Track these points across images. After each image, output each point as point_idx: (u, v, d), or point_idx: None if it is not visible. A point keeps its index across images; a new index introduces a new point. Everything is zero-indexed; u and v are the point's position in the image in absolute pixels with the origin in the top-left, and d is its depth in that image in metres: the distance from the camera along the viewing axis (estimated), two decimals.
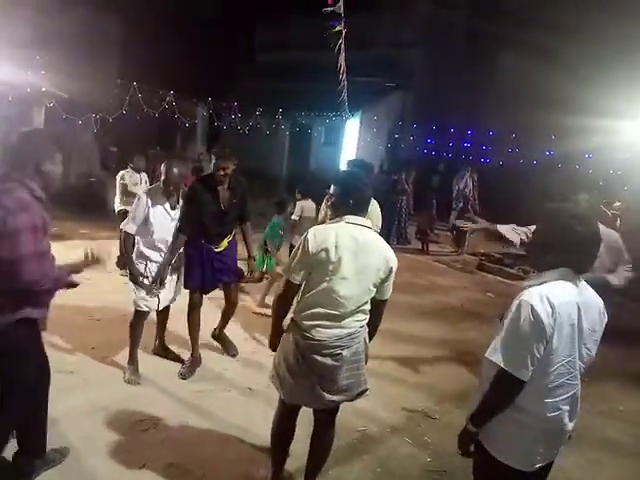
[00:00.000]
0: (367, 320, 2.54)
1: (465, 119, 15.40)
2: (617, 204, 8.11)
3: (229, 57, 17.82)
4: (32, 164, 2.35)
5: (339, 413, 2.70)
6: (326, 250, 2.34)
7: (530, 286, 1.94)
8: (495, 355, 1.91)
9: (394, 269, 2.46)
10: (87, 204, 10.17)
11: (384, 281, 2.47)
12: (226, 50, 17.59)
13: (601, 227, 2.08)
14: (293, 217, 6.07)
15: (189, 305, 4.11)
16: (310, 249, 2.36)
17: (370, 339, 2.63)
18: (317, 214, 5.64)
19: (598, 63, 11.37)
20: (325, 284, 2.39)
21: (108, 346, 4.29)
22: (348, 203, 2.46)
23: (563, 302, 1.88)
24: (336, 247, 2.35)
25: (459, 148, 15.69)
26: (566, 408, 1.98)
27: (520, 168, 13.51)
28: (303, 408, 2.67)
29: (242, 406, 3.65)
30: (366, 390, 2.60)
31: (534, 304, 1.84)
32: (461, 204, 11.59)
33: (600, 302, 2.02)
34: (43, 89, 9.04)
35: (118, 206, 6.78)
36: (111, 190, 10.80)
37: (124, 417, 3.34)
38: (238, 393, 3.82)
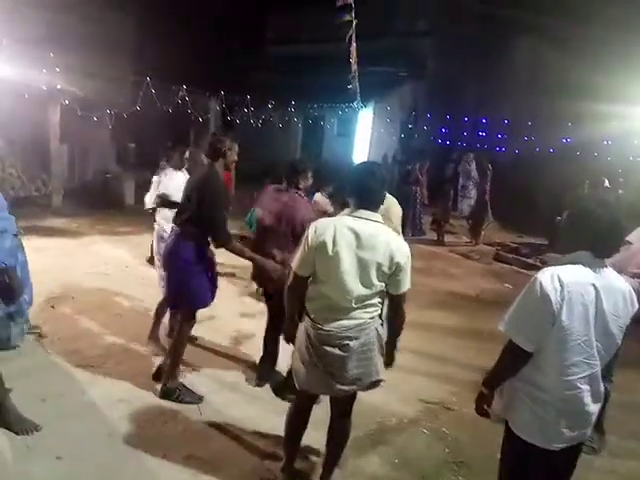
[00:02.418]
0: (378, 311, 2.53)
1: (479, 108, 15.22)
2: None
3: (241, 51, 17.80)
4: None
5: (356, 405, 2.71)
6: (324, 243, 2.39)
7: (549, 267, 2.02)
8: (503, 325, 2.04)
9: (402, 263, 2.42)
10: (103, 200, 10.29)
11: (393, 275, 2.44)
12: (238, 44, 17.56)
13: None
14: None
15: (188, 326, 3.61)
16: (310, 242, 2.43)
17: (394, 336, 2.61)
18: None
19: (614, 48, 11.14)
20: (327, 276, 2.44)
21: (129, 341, 4.35)
22: (354, 196, 2.49)
23: (574, 282, 1.95)
24: (334, 240, 2.39)
25: (473, 137, 15.51)
26: (585, 387, 2.01)
27: (536, 156, 13.32)
28: (324, 400, 2.70)
29: (257, 401, 3.67)
30: (380, 381, 2.60)
31: (543, 280, 1.94)
32: (471, 192, 11.47)
33: (627, 289, 2.04)
34: (58, 87, 9.12)
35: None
36: (127, 186, 10.98)
37: (144, 410, 3.40)
38: (253, 389, 3.84)
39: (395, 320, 2.58)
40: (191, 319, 3.57)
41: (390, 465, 3.13)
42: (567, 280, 1.93)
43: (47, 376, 3.69)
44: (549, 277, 1.94)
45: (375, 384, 2.60)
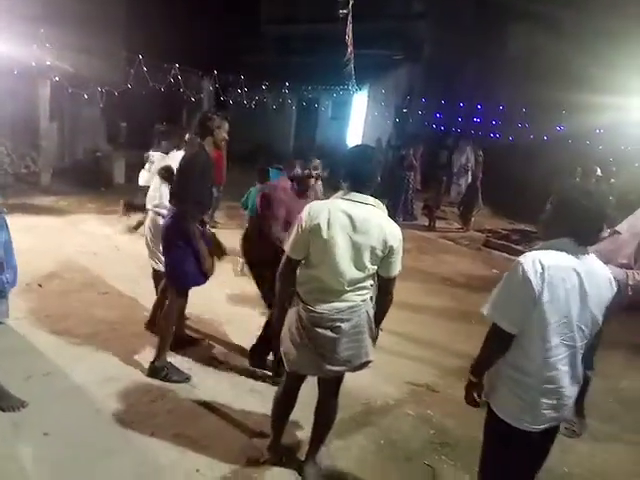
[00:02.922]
0: (369, 294, 2.55)
1: (475, 93, 15.16)
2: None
3: (235, 31, 17.53)
4: None
5: (342, 386, 2.74)
6: (318, 225, 2.39)
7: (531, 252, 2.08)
8: (487, 310, 2.08)
9: (395, 246, 2.44)
10: (94, 179, 10.20)
11: (385, 258, 2.46)
12: (232, 23, 17.29)
13: None
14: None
15: (178, 309, 3.64)
16: (304, 225, 2.43)
17: (380, 316, 2.63)
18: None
19: (610, 37, 11.11)
20: (320, 259, 2.44)
21: (117, 320, 4.35)
22: (348, 179, 2.49)
23: (555, 265, 1.99)
24: (328, 223, 2.39)
25: (468, 123, 15.48)
26: (565, 369, 2.06)
27: (530, 143, 13.34)
28: (308, 380, 2.72)
29: (245, 382, 3.70)
30: (369, 362, 2.62)
31: (524, 263, 1.99)
32: (465, 179, 11.49)
33: (608, 274, 2.10)
34: (48, 63, 8.96)
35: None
36: (117, 165, 10.88)
37: (132, 388, 3.41)
38: (242, 370, 3.86)
39: (384, 302, 2.60)
40: (179, 298, 3.56)
41: (375, 446, 3.17)
42: (548, 263, 1.98)
43: (34, 354, 3.68)
44: (530, 261, 1.99)
45: (364, 365, 2.63)
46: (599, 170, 9.51)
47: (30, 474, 2.61)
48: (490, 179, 10.47)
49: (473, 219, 10.17)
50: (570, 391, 2.11)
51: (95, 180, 10.14)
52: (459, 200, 11.11)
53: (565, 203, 2.08)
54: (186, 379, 3.55)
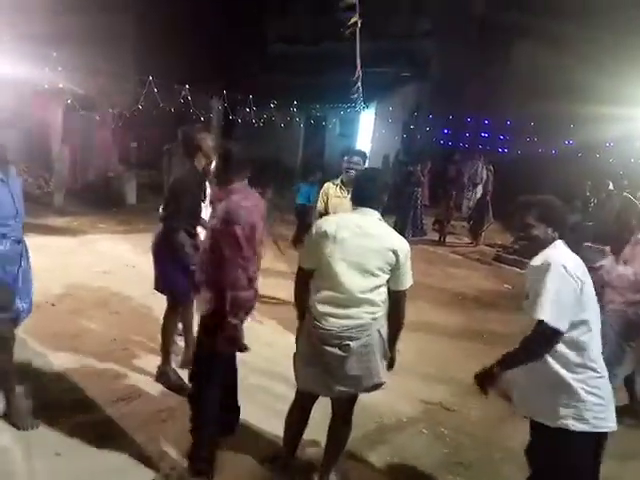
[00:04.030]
0: (380, 313, 2.53)
1: (482, 109, 15.21)
2: None
3: (243, 50, 17.80)
4: None
5: (356, 404, 2.71)
6: (325, 235, 2.49)
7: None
8: (541, 313, 2.08)
9: (402, 256, 2.47)
10: (105, 199, 10.30)
11: (393, 271, 2.48)
12: (239, 44, 17.56)
13: None
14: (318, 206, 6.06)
15: (173, 315, 3.72)
16: (313, 235, 2.55)
17: (394, 335, 2.62)
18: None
19: (617, 50, 11.14)
20: (329, 268, 2.49)
21: (128, 339, 4.35)
22: (356, 198, 2.65)
23: (575, 260, 2.19)
24: (335, 233, 2.48)
25: (476, 138, 15.51)
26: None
27: (539, 158, 13.32)
28: (321, 401, 2.70)
29: (254, 401, 3.66)
30: (381, 384, 2.60)
31: (564, 262, 2.11)
32: (474, 194, 11.47)
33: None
34: (60, 85, 9.14)
35: None
36: (129, 185, 10.99)
37: (143, 408, 3.39)
38: (251, 388, 3.83)
39: (394, 317, 2.58)
40: (174, 309, 3.66)
41: (388, 465, 3.13)
42: (573, 260, 2.17)
43: (44, 373, 3.69)
44: (565, 258, 2.14)
45: (376, 387, 2.60)
46: (611, 184, 9.46)
47: None
48: (500, 193, 10.44)
49: (483, 234, 10.13)
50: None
51: (107, 200, 10.25)
52: (469, 215, 11.08)
53: (557, 219, 2.32)
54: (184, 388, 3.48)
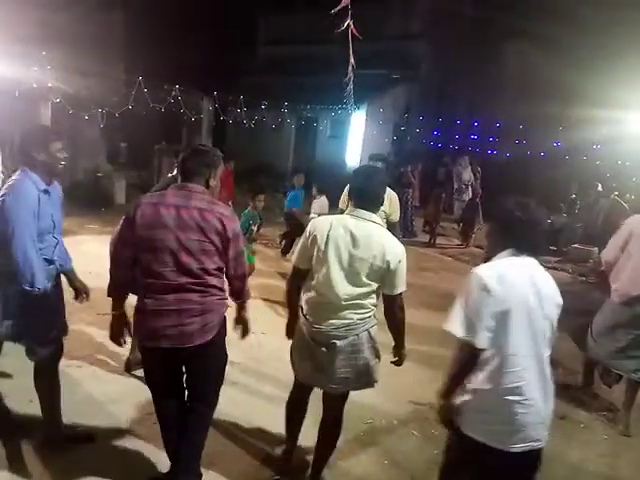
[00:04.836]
0: (369, 314, 2.55)
1: (472, 111, 15.31)
2: (628, 197, 8.09)
3: (233, 51, 17.77)
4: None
5: (345, 405, 2.71)
6: (316, 238, 2.49)
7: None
8: (453, 327, 2.06)
9: (395, 264, 2.45)
10: (94, 199, 10.22)
11: (386, 276, 2.47)
12: (230, 45, 17.54)
13: None
14: (311, 216, 6.08)
15: None
16: (306, 237, 2.55)
17: (396, 337, 2.69)
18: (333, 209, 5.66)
19: (607, 53, 11.26)
20: (319, 271, 2.50)
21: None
22: (353, 197, 2.62)
23: (510, 273, 2.03)
24: (327, 236, 2.47)
25: (465, 140, 15.60)
26: (532, 379, 2.07)
27: (527, 160, 13.43)
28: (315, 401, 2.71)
29: (247, 400, 3.67)
30: (371, 383, 2.63)
31: (482, 273, 2.02)
32: (464, 195, 11.53)
33: (552, 280, 2.15)
34: (49, 85, 9.05)
35: None
36: (118, 185, 10.91)
37: (134, 408, 3.37)
38: (243, 387, 3.83)
39: (391, 321, 2.61)
40: None
41: (379, 466, 3.13)
42: (504, 271, 2.02)
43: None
44: (486, 269, 2.05)
45: (366, 385, 2.64)
46: (600, 186, 9.56)
47: None
48: (488, 195, 10.49)
49: (473, 235, 10.18)
50: (542, 405, 2.06)
51: (95, 200, 10.16)
52: (459, 216, 11.13)
53: (502, 217, 2.16)
54: None
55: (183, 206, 2.37)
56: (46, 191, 2.63)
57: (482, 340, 2.00)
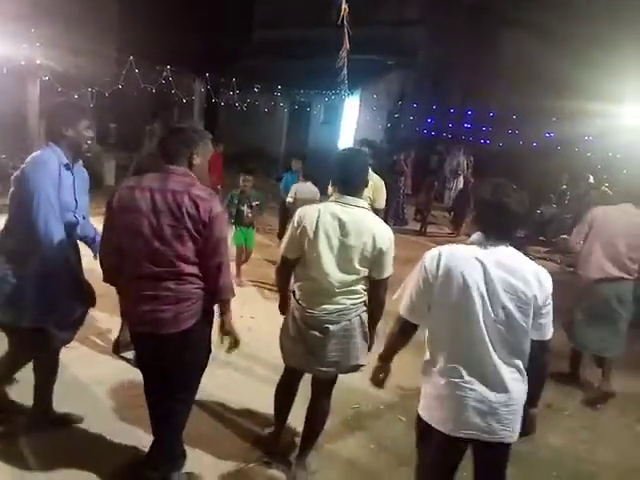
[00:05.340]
0: (361, 299, 2.56)
1: (466, 99, 15.25)
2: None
3: (227, 33, 17.52)
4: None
5: (334, 390, 2.73)
6: (305, 227, 2.46)
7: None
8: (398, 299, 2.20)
9: (385, 249, 2.46)
10: None
11: (375, 261, 2.47)
12: (224, 26, 17.28)
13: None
14: (288, 199, 6.06)
15: None
16: (295, 226, 2.52)
17: (374, 321, 2.67)
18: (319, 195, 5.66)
19: (602, 46, 11.24)
20: (310, 259, 2.49)
21: (106, 324, 4.29)
22: (337, 182, 2.58)
23: (453, 253, 2.04)
24: (316, 225, 2.45)
25: (459, 129, 15.56)
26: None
27: (520, 150, 13.45)
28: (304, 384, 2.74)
29: (237, 383, 3.69)
30: (360, 366, 2.67)
31: (426, 253, 2.11)
32: (456, 184, 11.55)
33: (532, 269, 2.03)
34: (38, 62, 8.88)
35: None
36: (107, 166, 10.77)
37: (121, 392, 3.37)
38: (234, 370, 3.84)
39: (374, 304, 2.62)
40: None
41: (366, 450, 3.16)
42: (446, 252, 2.05)
43: None
44: (432, 251, 2.10)
45: (355, 368, 2.67)
46: (591, 177, 9.60)
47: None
48: (480, 185, 10.50)
49: (464, 224, 10.22)
50: (488, 393, 2.01)
51: None
52: (450, 205, 11.16)
53: (476, 200, 2.19)
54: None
55: (158, 189, 2.27)
56: (68, 166, 2.60)
57: (404, 309, 2.14)
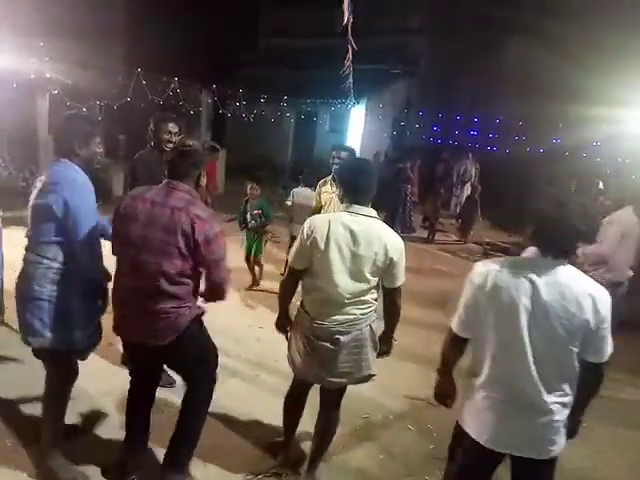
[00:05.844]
0: (371, 308, 2.55)
1: (472, 106, 15.25)
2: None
3: (234, 44, 17.68)
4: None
5: (343, 400, 2.72)
6: (316, 239, 2.45)
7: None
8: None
9: (396, 258, 2.46)
10: None
11: (387, 270, 2.47)
12: (231, 37, 17.44)
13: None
14: (286, 202, 6.15)
15: None
16: (304, 237, 2.49)
17: (391, 327, 2.68)
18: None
19: (608, 51, 11.22)
20: (320, 271, 2.48)
21: (111, 334, 4.29)
22: (345, 192, 2.58)
23: (504, 272, 1.96)
24: (327, 236, 2.43)
25: (465, 136, 15.56)
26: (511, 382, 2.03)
27: (527, 156, 13.40)
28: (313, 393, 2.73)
29: (246, 393, 3.68)
30: (371, 376, 2.66)
31: (475, 267, 2.08)
32: (462, 191, 11.53)
33: (591, 292, 1.91)
34: (47, 75, 9.00)
35: None
36: (116, 177, 10.87)
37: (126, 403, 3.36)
38: (242, 380, 3.84)
39: (390, 313, 2.63)
40: None
41: (376, 460, 3.14)
42: (495, 267, 1.99)
43: (28, 367, 3.63)
44: (480, 267, 2.05)
45: (365, 378, 2.65)
46: (601, 183, 9.53)
47: None
48: (488, 191, 10.50)
49: (472, 231, 10.19)
50: (515, 413, 1.99)
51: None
52: (457, 212, 11.14)
53: (535, 213, 2.05)
54: (170, 384, 3.48)
55: (159, 203, 2.31)
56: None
57: (454, 324, 2.13)
